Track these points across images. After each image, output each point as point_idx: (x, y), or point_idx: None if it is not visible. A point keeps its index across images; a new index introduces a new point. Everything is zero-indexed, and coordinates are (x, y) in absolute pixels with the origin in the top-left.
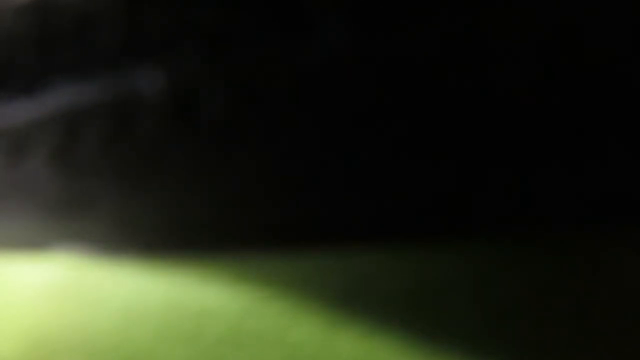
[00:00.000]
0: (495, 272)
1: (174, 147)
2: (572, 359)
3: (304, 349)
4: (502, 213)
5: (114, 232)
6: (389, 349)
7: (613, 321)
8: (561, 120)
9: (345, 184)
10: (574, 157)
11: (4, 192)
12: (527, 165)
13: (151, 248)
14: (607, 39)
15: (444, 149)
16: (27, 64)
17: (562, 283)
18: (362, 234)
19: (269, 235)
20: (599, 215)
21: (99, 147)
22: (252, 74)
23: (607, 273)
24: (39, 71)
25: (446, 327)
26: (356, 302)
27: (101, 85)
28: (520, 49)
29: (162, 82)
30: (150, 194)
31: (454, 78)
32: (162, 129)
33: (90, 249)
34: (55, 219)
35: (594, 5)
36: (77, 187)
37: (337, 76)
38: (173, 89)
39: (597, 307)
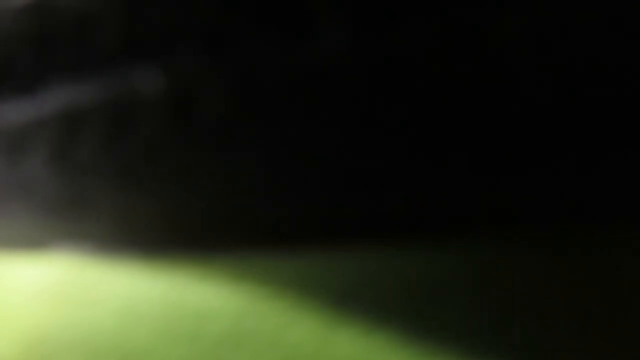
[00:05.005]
0: (495, 272)
1: (173, 147)
2: (571, 359)
3: (302, 349)
4: (502, 213)
5: (113, 231)
6: (387, 348)
7: (613, 321)
8: (561, 120)
9: (344, 183)
10: (574, 157)
11: (3, 192)
12: (527, 166)
13: (150, 247)
14: (608, 39)
15: (443, 148)
16: (26, 64)
17: (561, 283)
18: (361, 234)
19: (267, 235)
20: (598, 215)
21: (98, 147)
22: (252, 74)
23: (606, 273)
24: (39, 71)
25: (445, 326)
26: (355, 301)
27: (100, 85)
28: (520, 47)
29: (161, 82)
30: (150, 193)
31: (454, 77)
32: (161, 129)
33: (90, 248)
34: (54, 218)
35: (594, 6)
36: (76, 187)
37: (336, 75)
38: (172, 89)
39: (597, 307)
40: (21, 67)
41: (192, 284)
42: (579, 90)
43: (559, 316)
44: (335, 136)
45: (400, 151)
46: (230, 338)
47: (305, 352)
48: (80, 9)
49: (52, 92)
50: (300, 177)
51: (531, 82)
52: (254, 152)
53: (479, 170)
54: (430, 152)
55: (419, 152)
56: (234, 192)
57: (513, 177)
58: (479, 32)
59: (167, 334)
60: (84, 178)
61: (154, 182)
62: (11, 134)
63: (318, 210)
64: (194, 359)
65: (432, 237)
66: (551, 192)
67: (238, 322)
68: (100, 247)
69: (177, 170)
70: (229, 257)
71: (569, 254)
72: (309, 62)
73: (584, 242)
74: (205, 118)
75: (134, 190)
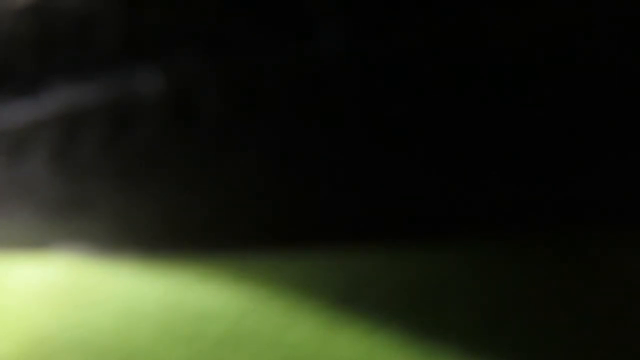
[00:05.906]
0: (495, 272)
1: (173, 148)
2: (571, 359)
3: (303, 349)
4: (502, 213)
5: (114, 232)
6: (388, 348)
7: (612, 321)
8: (561, 121)
9: (344, 183)
10: (574, 158)
11: (3, 192)
12: (527, 166)
13: (150, 248)
14: (605, 40)
15: (443, 149)
16: (27, 65)
17: (561, 283)
18: (361, 234)
19: (268, 235)
20: (598, 215)
21: (98, 148)
22: (251, 75)
23: (607, 273)
24: (39, 72)
25: (445, 326)
26: (355, 302)
27: (101, 86)
28: (517, 48)
29: (161, 83)
30: (150, 194)
31: (453, 79)
32: (161, 130)
33: (90, 249)
34: (54, 219)
35: (592, 7)
36: (76, 188)
37: (336, 76)
38: (172, 90)
39: (597, 307)
40: (22, 69)
41: (192, 285)
42: (579, 91)
43: (558, 316)
44: (334, 137)
45: (399, 152)
46: (230, 338)
47: (305, 353)
48: (81, 10)
49: (53, 93)
50: (299, 177)
51: (530, 83)
52: (253, 152)
53: (479, 171)
54: (430, 152)
55: (418, 153)
56: (233, 192)
57: (512, 177)
58: (478, 33)
59: (168, 335)
60: (84, 178)
61: (154, 182)
62: (12, 135)
63: (318, 210)
64: (194, 359)
65: (432, 237)
66: (551, 193)
67: (238, 323)
68: (100, 247)
69: (177, 170)
70: (229, 257)
71: (569, 253)
72: (308, 63)
73: (584, 242)
74: (205, 119)
75: (134, 191)
